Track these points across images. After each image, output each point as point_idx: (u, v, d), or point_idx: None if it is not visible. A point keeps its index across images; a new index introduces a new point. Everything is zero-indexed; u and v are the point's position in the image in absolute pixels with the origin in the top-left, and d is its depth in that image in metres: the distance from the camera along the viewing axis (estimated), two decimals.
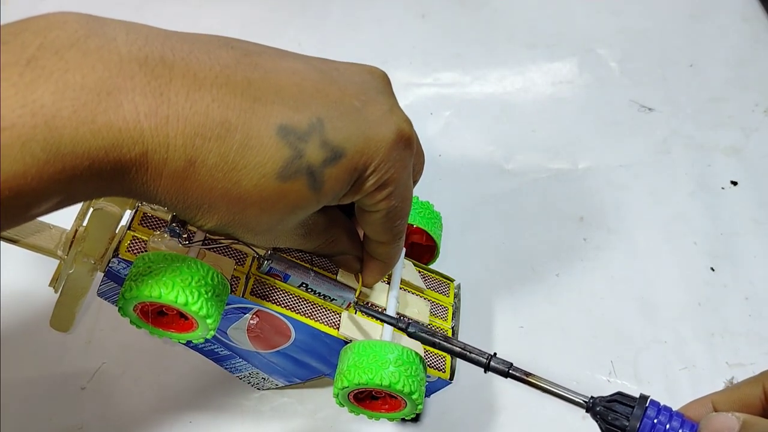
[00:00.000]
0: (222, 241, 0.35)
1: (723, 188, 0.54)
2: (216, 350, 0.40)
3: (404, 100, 0.59)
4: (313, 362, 0.39)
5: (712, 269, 0.50)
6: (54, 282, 0.35)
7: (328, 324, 0.36)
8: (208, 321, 0.31)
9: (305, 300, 0.36)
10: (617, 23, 0.64)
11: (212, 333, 0.32)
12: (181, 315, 0.32)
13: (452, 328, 0.40)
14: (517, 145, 0.57)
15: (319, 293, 0.36)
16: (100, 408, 0.43)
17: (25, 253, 0.47)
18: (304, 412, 0.43)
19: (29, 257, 0.47)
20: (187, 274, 0.30)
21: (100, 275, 0.35)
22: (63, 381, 0.44)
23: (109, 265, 0.34)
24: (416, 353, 0.35)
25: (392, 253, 0.36)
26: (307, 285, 0.36)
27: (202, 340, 0.33)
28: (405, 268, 0.40)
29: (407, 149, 0.31)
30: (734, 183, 0.55)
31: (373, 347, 0.34)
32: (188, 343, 0.35)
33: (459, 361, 0.45)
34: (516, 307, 0.49)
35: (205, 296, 0.30)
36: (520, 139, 0.57)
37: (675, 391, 0.45)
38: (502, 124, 0.58)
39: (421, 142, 0.56)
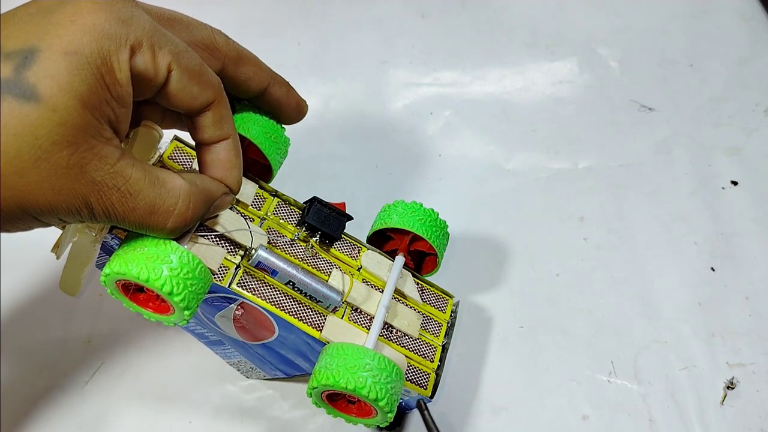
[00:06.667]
0: (216, 228, 0.35)
1: (723, 188, 0.54)
2: (205, 334, 0.40)
3: (404, 100, 0.59)
4: (297, 360, 0.39)
5: (712, 269, 0.50)
6: (55, 248, 0.36)
7: (311, 325, 0.36)
8: (175, 299, 0.30)
9: (292, 298, 0.36)
10: (617, 23, 0.64)
11: (186, 319, 0.32)
12: (158, 296, 0.32)
13: (443, 345, 0.40)
14: (517, 145, 0.57)
15: (305, 293, 0.36)
16: (100, 407, 0.43)
17: (26, 255, 0.47)
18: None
19: (30, 259, 0.48)
20: (154, 252, 0.30)
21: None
22: (63, 381, 0.44)
23: (104, 239, 0.35)
24: (394, 364, 0.34)
25: (223, 114, 0.32)
26: (293, 283, 0.36)
27: (172, 325, 0.33)
28: (402, 278, 0.40)
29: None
30: (734, 183, 0.55)
31: (347, 350, 0.34)
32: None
33: (448, 374, 0.45)
34: (516, 307, 0.49)
35: (170, 274, 0.30)
36: (520, 139, 0.57)
37: (675, 391, 0.45)
38: (502, 124, 0.58)
39: (421, 142, 0.57)
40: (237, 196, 0.36)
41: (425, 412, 0.40)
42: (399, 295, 0.40)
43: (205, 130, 0.32)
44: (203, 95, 0.31)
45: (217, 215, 0.35)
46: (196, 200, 0.31)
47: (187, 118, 0.33)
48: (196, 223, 0.32)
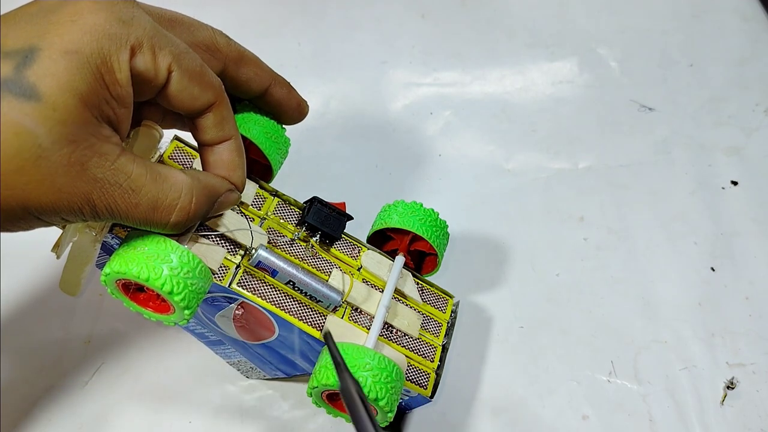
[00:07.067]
0: (217, 228, 0.35)
1: (723, 188, 0.54)
2: (205, 334, 0.40)
3: (404, 100, 0.59)
4: (297, 360, 0.39)
5: (712, 269, 0.50)
6: (55, 248, 0.36)
7: (311, 324, 0.36)
8: (176, 298, 0.30)
9: (292, 298, 0.36)
10: (617, 23, 0.64)
11: (186, 319, 0.32)
12: (159, 295, 0.32)
13: (443, 345, 0.40)
14: (517, 145, 0.57)
15: (305, 293, 0.36)
16: (100, 407, 0.43)
17: (26, 255, 0.47)
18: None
19: (30, 259, 0.48)
20: (155, 252, 0.30)
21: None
22: (63, 381, 0.44)
23: (104, 239, 0.35)
24: (394, 364, 0.34)
25: (224, 115, 0.32)
26: (294, 283, 0.36)
27: (172, 324, 0.33)
28: (402, 278, 0.40)
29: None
30: (734, 183, 0.55)
31: (347, 350, 0.34)
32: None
33: (448, 374, 0.45)
34: (516, 307, 0.49)
35: (171, 273, 0.30)
36: (520, 139, 0.57)
37: (675, 391, 0.45)
38: (502, 124, 0.58)
39: (421, 142, 0.57)
40: None
41: (330, 342, 0.37)
42: (399, 295, 0.40)
43: (207, 132, 0.32)
44: (204, 96, 0.31)
45: (221, 214, 0.35)
46: (198, 195, 0.31)
47: (188, 120, 0.33)
48: (200, 220, 0.32)
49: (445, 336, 0.40)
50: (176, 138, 0.38)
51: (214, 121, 0.32)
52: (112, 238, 0.34)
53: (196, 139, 0.33)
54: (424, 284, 0.41)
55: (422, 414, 0.44)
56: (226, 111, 0.32)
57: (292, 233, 0.38)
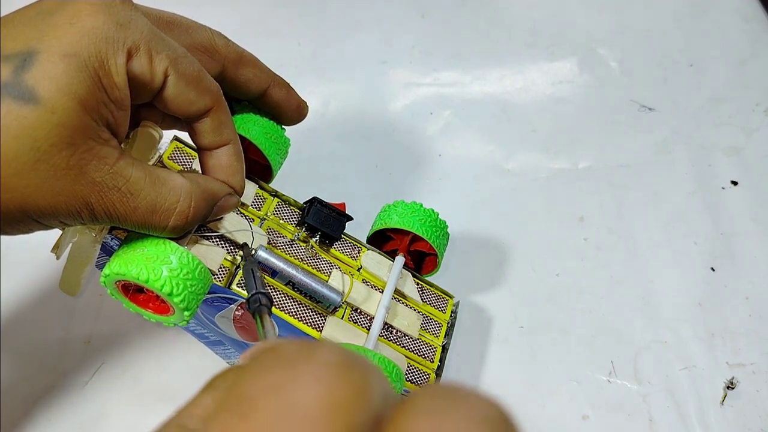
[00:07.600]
0: (218, 230, 0.35)
1: (723, 188, 0.54)
2: (205, 334, 0.40)
3: (404, 100, 0.59)
4: None
5: (712, 269, 0.50)
6: (55, 249, 0.36)
7: (311, 325, 0.36)
8: (175, 300, 0.30)
9: (291, 298, 0.36)
10: (617, 23, 0.64)
11: (186, 320, 0.32)
12: (158, 296, 0.32)
13: (443, 345, 0.40)
14: (517, 145, 0.57)
15: (305, 293, 0.36)
16: (100, 408, 0.43)
17: (26, 255, 0.47)
18: None
19: (29, 259, 0.48)
20: (154, 253, 0.30)
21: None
22: (63, 381, 0.44)
23: (104, 240, 0.35)
24: (394, 365, 0.34)
25: (222, 120, 0.32)
26: (293, 284, 0.35)
27: (171, 325, 0.33)
28: (402, 279, 0.40)
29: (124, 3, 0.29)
30: (734, 183, 0.55)
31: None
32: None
33: (448, 374, 0.45)
34: (516, 307, 0.49)
35: (170, 274, 0.30)
36: (520, 139, 0.57)
37: (675, 391, 0.45)
38: (502, 124, 0.58)
39: (421, 142, 0.57)
40: None
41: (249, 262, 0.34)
42: (399, 295, 0.40)
43: (205, 136, 0.32)
44: (201, 101, 0.31)
45: (220, 217, 0.35)
46: (197, 199, 0.31)
47: (186, 124, 0.33)
48: (199, 223, 0.32)
49: (445, 336, 0.40)
50: (176, 138, 0.38)
51: (211, 125, 0.32)
52: (112, 239, 0.34)
53: (194, 143, 0.33)
54: (424, 284, 0.41)
55: None
56: (224, 116, 0.32)
57: (292, 234, 0.38)
